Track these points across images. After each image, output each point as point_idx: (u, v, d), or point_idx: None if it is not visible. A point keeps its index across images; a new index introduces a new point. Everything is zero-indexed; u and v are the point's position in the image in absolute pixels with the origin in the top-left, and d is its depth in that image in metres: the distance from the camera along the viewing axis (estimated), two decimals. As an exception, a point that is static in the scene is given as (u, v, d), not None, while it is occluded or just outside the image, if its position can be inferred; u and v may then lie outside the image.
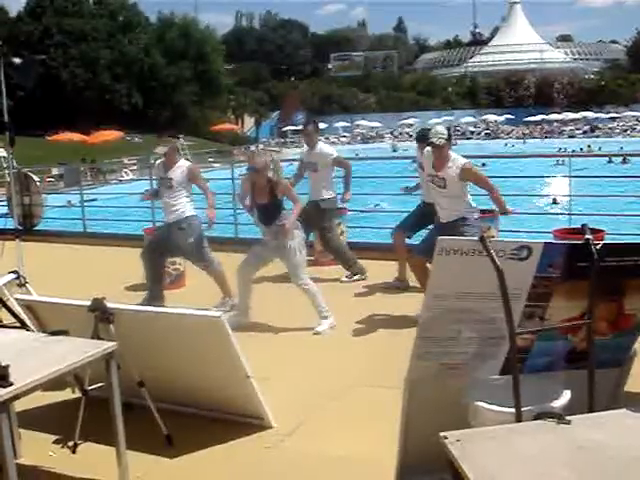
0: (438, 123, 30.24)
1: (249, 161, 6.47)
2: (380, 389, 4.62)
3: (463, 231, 5.91)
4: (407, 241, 7.44)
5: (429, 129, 6.72)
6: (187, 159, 8.24)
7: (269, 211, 6.28)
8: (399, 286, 7.54)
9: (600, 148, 38.26)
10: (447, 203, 6.16)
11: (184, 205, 6.82)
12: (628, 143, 43.50)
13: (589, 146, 40.42)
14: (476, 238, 2.82)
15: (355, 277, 8.03)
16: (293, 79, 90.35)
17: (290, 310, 6.44)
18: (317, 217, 7.94)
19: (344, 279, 8.01)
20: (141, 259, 6.96)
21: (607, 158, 27.90)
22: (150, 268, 6.92)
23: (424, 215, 7.07)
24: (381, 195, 14.29)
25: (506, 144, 48.11)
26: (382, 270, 7.84)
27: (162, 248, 6.94)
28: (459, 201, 6.14)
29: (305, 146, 8.41)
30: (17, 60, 6.57)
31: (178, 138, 7.17)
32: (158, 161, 7.18)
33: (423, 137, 6.97)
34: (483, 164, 20.43)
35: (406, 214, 7.68)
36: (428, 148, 6.23)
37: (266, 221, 6.30)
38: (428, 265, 5.79)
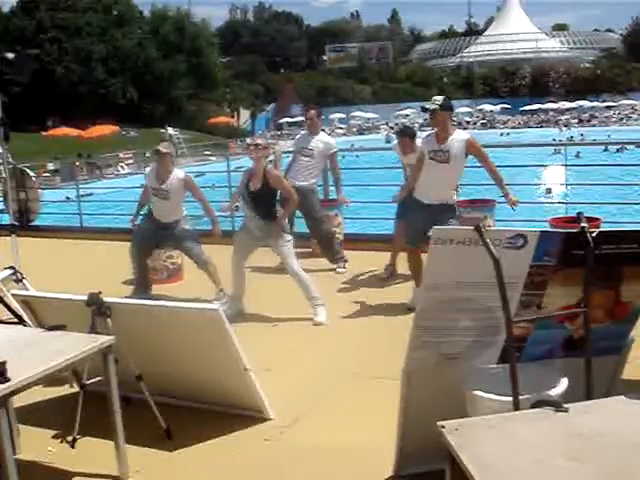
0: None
1: (250, 147, 6.50)
2: (379, 379, 4.63)
3: (449, 217, 5.98)
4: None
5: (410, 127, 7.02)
6: (183, 152, 8.14)
7: (259, 199, 6.27)
8: (390, 273, 7.58)
9: (582, 136, 38.31)
10: (442, 182, 6.11)
11: (179, 211, 6.81)
12: (622, 132, 43.42)
13: (582, 135, 40.43)
14: (471, 227, 2.82)
15: (346, 267, 8.03)
16: (288, 71, 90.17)
17: (289, 301, 6.45)
18: (308, 206, 7.90)
19: (339, 270, 8.00)
20: (130, 254, 6.93)
21: (603, 147, 27.86)
22: (140, 260, 6.90)
23: None
24: (375, 186, 14.23)
25: (501, 134, 48.04)
26: (377, 260, 7.84)
27: (154, 239, 6.87)
28: (452, 182, 6.19)
29: (301, 133, 8.37)
30: (10, 55, 6.56)
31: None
32: (149, 169, 7.04)
33: (402, 132, 7.62)
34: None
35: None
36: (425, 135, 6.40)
37: (256, 210, 6.31)
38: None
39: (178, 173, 6.81)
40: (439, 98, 6.17)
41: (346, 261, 8.07)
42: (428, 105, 6.10)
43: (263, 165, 6.30)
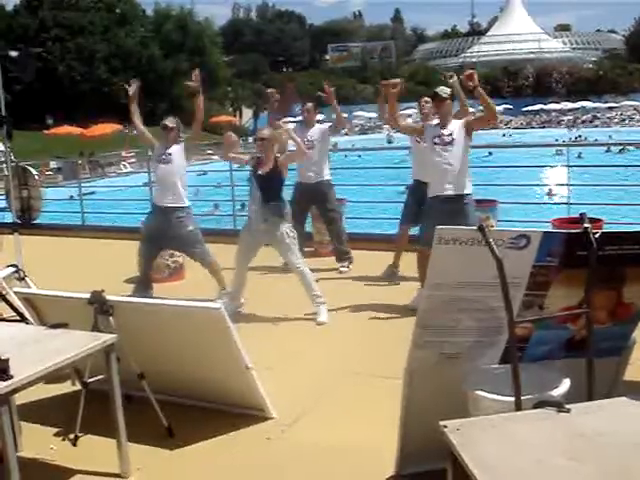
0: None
1: (257, 142, 6.50)
2: (381, 378, 4.63)
3: (467, 210, 6.00)
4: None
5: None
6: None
7: (267, 183, 6.26)
8: (392, 273, 7.58)
9: (580, 137, 38.36)
10: (452, 170, 6.04)
11: (181, 191, 6.74)
12: (624, 133, 43.39)
13: (579, 136, 40.49)
14: (474, 227, 2.82)
15: (350, 267, 8.07)
16: (291, 70, 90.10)
17: (292, 300, 6.45)
18: (322, 199, 7.99)
19: (343, 269, 8.03)
20: (138, 252, 6.89)
21: (605, 148, 27.85)
22: (146, 260, 6.87)
23: (421, 197, 6.93)
24: (377, 186, 14.25)
25: (504, 134, 47.99)
26: (379, 260, 7.84)
27: (161, 240, 6.83)
28: (464, 167, 6.10)
29: (298, 124, 8.45)
30: (14, 53, 6.56)
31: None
32: (157, 144, 7.11)
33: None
34: (490, 153, 20.45)
35: (403, 204, 7.63)
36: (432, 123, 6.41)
37: (262, 196, 6.26)
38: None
39: (181, 144, 6.99)
40: (447, 90, 6.18)
41: (352, 262, 8.10)
42: (442, 93, 6.10)
43: (273, 153, 6.32)
